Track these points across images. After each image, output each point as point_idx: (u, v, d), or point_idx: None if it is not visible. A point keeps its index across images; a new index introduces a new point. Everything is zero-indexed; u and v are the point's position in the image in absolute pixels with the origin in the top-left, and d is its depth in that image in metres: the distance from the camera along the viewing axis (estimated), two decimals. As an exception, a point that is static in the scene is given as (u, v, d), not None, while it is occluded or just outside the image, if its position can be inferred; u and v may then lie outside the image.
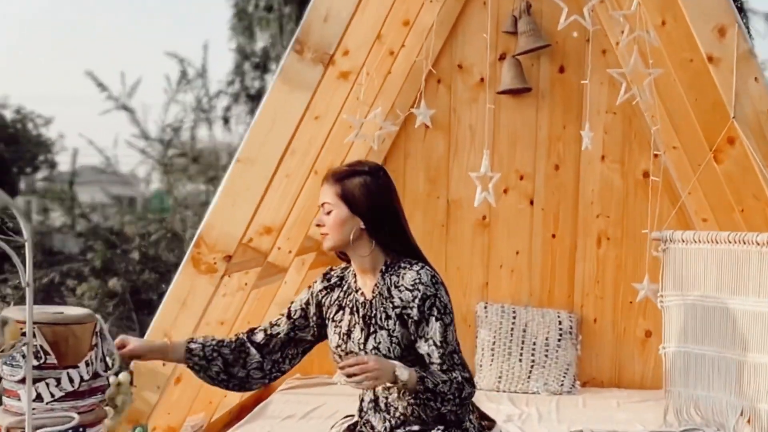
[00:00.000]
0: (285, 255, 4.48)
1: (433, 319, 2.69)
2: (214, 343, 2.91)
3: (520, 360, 5.06)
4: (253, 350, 2.93)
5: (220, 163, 8.94)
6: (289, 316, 2.97)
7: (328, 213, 2.78)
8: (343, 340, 2.84)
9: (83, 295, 6.86)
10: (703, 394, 3.31)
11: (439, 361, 2.70)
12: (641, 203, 5.24)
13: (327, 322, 2.91)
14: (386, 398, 2.81)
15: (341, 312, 2.87)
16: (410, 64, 4.92)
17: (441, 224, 5.40)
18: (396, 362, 2.67)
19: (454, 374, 2.70)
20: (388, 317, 2.76)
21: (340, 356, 2.86)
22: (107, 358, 2.82)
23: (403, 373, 2.64)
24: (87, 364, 2.71)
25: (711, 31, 3.15)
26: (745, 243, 3.10)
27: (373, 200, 2.75)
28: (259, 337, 2.95)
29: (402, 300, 2.74)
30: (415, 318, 2.70)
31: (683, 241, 3.35)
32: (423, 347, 2.72)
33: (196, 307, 3.40)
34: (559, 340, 5.09)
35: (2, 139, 11.70)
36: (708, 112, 3.67)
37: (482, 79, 5.32)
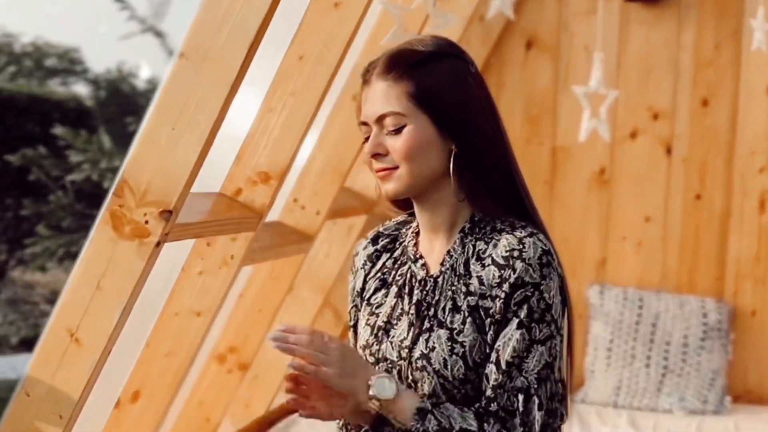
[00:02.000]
0: (311, 216, 3.31)
1: (515, 322, 1.68)
2: None
3: (648, 365, 4.26)
4: None
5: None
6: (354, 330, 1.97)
7: (396, 131, 1.75)
8: (375, 336, 1.83)
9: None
10: None
11: (490, 394, 1.69)
12: (824, 153, 4.37)
13: (360, 306, 1.93)
14: None
15: (384, 290, 1.88)
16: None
17: (544, 180, 4.49)
18: (384, 374, 1.71)
19: (494, 427, 1.67)
20: (455, 309, 1.75)
21: (367, 362, 1.82)
22: None
23: (385, 388, 1.69)
24: None
25: None
26: None
27: (473, 103, 1.76)
28: None
29: (482, 282, 1.72)
30: (497, 316, 1.70)
31: None
32: (488, 366, 1.70)
33: (117, 290, 2.24)
34: (703, 339, 4.28)
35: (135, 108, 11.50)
36: None
37: (603, -17, 4.37)
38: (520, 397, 1.66)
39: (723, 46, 4.28)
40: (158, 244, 2.21)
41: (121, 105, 10.90)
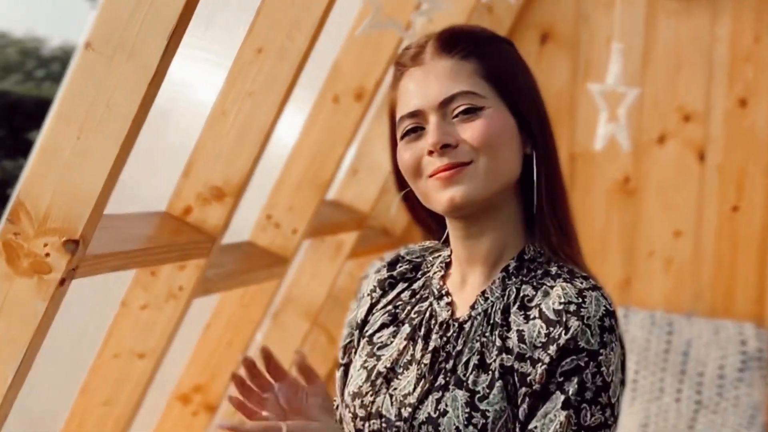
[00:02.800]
0: (286, 235, 2.99)
1: (561, 399, 1.36)
2: None
3: (678, 400, 4.00)
4: None
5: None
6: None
7: (470, 113, 1.43)
8: (372, 384, 1.50)
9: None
10: None
11: None
12: None
13: (359, 343, 1.63)
14: None
15: (392, 328, 1.55)
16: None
17: None
18: None
19: None
20: (482, 367, 1.43)
21: (354, 415, 1.51)
22: None
23: None
24: None
25: None
26: None
27: (540, 100, 1.52)
28: None
29: (523, 338, 1.42)
30: (536, 387, 1.39)
31: None
32: None
33: (13, 339, 1.96)
34: (742, 370, 4.03)
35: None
36: None
37: (626, -30, 4.11)
38: None
39: (763, 39, 4.03)
40: (62, 282, 1.86)
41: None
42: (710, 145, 4.14)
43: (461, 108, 1.41)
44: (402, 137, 1.44)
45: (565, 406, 1.34)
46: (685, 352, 4.00)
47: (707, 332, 4.03)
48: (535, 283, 1.42)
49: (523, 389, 1.36)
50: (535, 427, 1.35)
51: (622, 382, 1.39)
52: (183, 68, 2.26)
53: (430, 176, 1.40)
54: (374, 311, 1.60)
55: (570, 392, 1.33)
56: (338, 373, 1.62)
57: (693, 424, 3.89)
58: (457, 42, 1.44)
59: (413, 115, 1.42)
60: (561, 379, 1.34)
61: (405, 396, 1.43)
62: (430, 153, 1.39)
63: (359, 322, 1.59)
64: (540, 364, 1.35)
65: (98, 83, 1.78)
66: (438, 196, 1.40)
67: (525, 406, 1.36)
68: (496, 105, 1.42)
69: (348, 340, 1.63)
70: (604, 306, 1.37)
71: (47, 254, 1.82)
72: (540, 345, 1.36)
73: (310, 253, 3.42)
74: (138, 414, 2.54)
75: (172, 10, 1.76)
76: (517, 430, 1.36)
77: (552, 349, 1.34)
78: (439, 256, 1.56)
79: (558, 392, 1.34)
